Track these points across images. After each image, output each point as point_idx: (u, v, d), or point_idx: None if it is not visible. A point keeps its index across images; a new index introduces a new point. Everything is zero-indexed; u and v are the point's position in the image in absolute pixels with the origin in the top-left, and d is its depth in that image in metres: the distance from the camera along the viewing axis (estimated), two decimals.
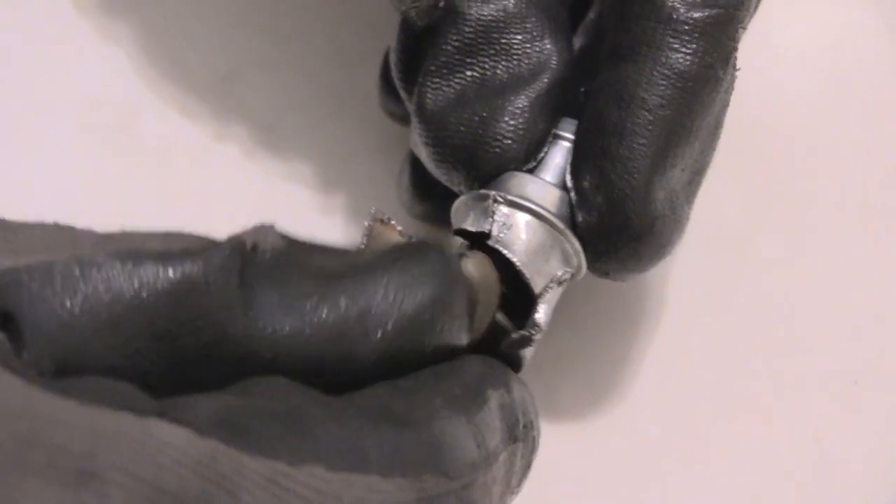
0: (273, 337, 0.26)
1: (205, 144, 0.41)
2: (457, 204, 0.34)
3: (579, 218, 0.33)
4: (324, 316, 0.27)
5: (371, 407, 0.26)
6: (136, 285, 0.25)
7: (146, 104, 0.42)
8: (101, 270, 0.25)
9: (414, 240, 0.32)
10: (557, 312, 0.33)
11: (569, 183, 0.33)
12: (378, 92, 0.39)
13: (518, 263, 0.32)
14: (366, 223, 0.32)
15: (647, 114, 0.32)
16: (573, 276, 0.33)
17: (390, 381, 0.27)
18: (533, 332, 0.31)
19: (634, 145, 0.32)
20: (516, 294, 0.32)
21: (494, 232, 0.33)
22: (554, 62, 0.34)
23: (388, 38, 0.39)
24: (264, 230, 0.27)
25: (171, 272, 0.25)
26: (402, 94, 0.35)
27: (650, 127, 0.32)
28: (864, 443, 0.38)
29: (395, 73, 0.35)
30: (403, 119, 0.38)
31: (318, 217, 0.40)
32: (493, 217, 0.33)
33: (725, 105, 0.34)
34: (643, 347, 0.39)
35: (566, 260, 0.33)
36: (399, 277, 0.28)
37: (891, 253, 0.40)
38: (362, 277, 0.27)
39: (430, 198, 0.37)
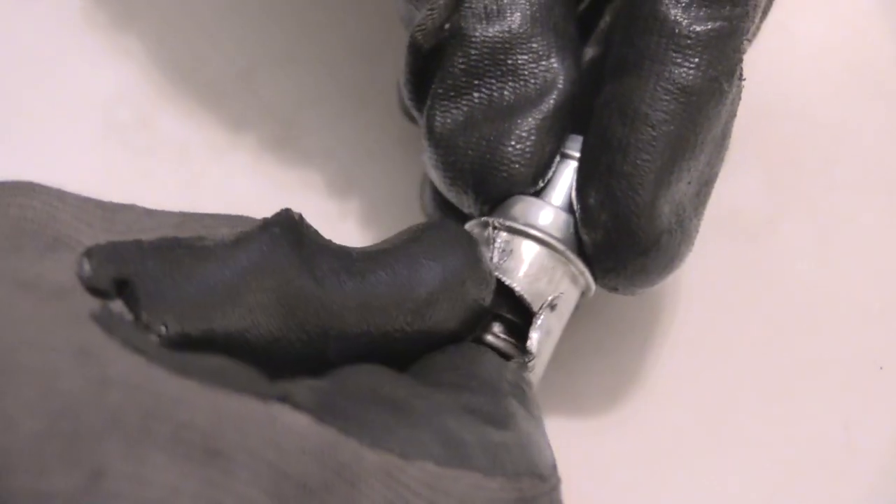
0: (341, 294, 0.28)
1: (224, 141, 0.41)
2: (466, 227, 0.34)
3: (585, 236, 0.33)
4: (382, 278, 0.28)
5: (460, 401, 0.28)
6: (242, 261, 0.27)
7: (165, 102, 0.42)
8: (211, 251, 0.27)
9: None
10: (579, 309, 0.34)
11: (574, 201, 0.33)
12: (397, 93, 0.39)
13: (518, 289, 0.32)
14: None
15: (650, 129, 0.32)
16: (583, 294, 0.34)
17: (453, 363, 0.29)
18: (527, 358, 0.32)
19: (638, 161, 0.32)
20: (523, 319, 0.33)
21: (495, 259, 0.33)
22: (561, 82, 0.34)
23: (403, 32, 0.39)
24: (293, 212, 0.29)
25: (263, 247, 0.27)
26: (415, 114, 0.36)
27: (654, 143, 0.32)
28: (892, 428, 0.38)
29: (405, 95, 0.35)
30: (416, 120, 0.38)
31: (337, 213, 0.41)
32: (493, 244, 0.33)
33: (733, 115, 0.34)
34: (663, 338, 0.39)
35: (574, 281, 0.33)
36: (432, 247, 0.30)
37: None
38: (402, 248, 0.29)
39: (451, 212, 0.37)
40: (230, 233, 0.27)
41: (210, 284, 0.26)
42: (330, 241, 0.29)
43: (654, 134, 0.32)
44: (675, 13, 0.32)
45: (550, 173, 0.34)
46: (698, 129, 0.32)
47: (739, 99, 0.33)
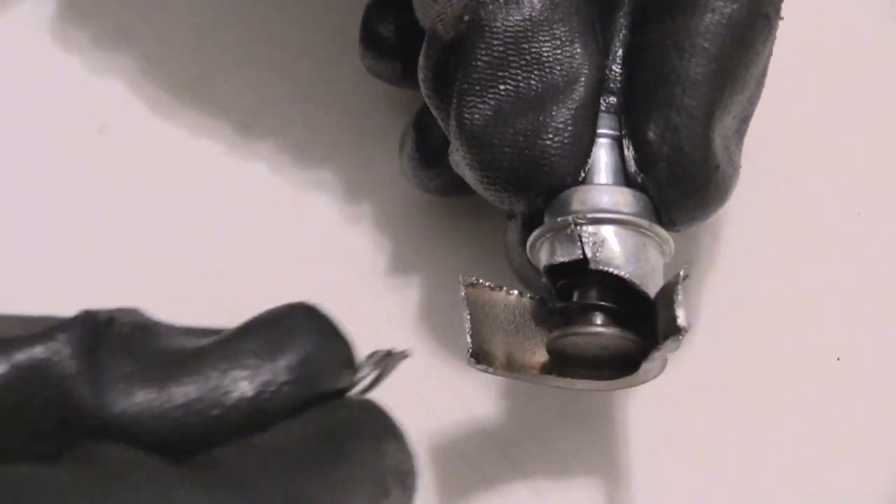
0: (124, 412, 0.25)
1: (182, 145, 0.41)
2: (531, 241, 0.34)
3: (644, 174, 0.33)
4: (178, 392, 0.26)
5: (210, 475, 0.25)
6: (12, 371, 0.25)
7: (122, 107, 0.42)
8: None
9: (506, 290, 0.33)
10: None
11: (627, 142, 0.33)
12: (360, 50, 0.39)
13: (628, 276, 0.32)
14: (461, 294, 0.33)
15: (709, 63, 0.33)
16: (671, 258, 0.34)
17: (247, 439, 0.26)
18: (680, 336, 0.31)
19: (698, 93, 0.33)
20: (628, 305, 0.32)
21: (590, 255, 0.32)
22: (587, 67, 0.33)
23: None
24: (128, 310, 0.27)
25: (15, 356, 0.25)
26: (435, 112, 0.35)
27: (711, 76, 0.33)
28: (850, 418, 0.38)
29: (424, 91, 0.35)
30: (387, 76, 0.38)
31: (296, 212, 0.40)
32: (580, 241, 0.32)
33: (770, 54, 0.35)
34: None
35: (660, 251, 0.33)
36: (257, 350, 0.26)
37: (870, 229, 0.41)
38: (222, 350, 0.27)
39: (436, 166, 0.37)
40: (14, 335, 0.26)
41: None
42: (155, 334, 0.27)
43: (713, 67, 0.33)
44: None
45: (591, 160, 0.34)
46: (749, 64, 0.33)
47: (775, 38, 0.34)
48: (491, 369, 0.33)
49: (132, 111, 0.42)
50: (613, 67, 0.34)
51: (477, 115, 0.33)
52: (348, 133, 0.41)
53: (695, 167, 0.33)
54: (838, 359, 0.39)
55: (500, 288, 0.34)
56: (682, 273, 0.32)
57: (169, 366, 0.26)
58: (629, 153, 0.33)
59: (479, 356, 0.33)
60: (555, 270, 0.33)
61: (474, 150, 0.33)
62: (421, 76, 0.34)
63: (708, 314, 0.39)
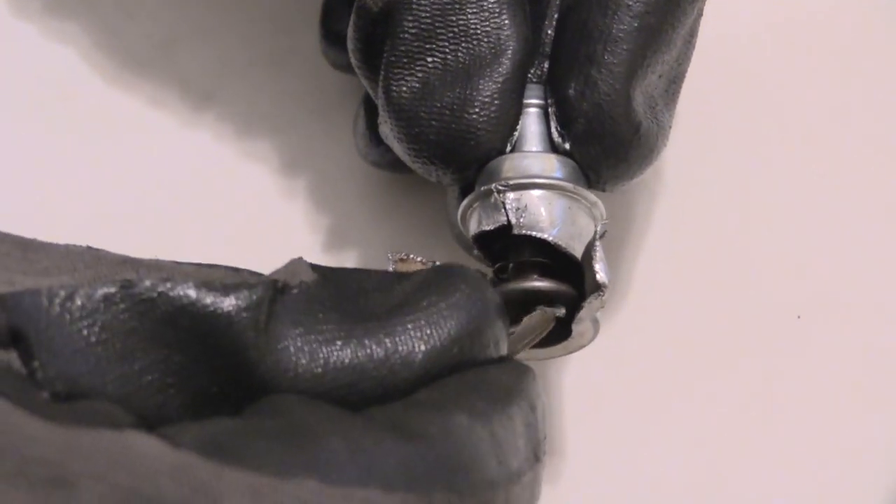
0: (294, 379, 0.27)
1: (143, 114, 0.41)
2: (461, 211, 0.34)
3: (563, 130, 0.33)
4: (346, 359, 0.27)
5: (384, 421, 0.26)
6: (159, 317, 0.26)
7: (83, 76, 0.42)
8: (123, 300, 0.26)
9: (443, 266, 0.32)
10: None
11: (548, 99, 0.33)
12: (322, 47, 0.39)
13: (552, 239, 0.32)
14: (390, 269, 0.33)
15: (632, 20, 0.33)
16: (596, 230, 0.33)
17: (412, 396, 0.27)
18: (601, 293, 0.31)
19: (618, 50, 0.33)
20: (557, 267, 0.33)
21: (514, 220, 0.33)
22: (513, 41, 0.33)
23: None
24: (295, 266, 0.28)
25: (199, 306, 0.26)
26: (364, 81, 0.35)
27: (634, 33, 0.33)
28: (810, 377, 0.38)
29: (354, 61, 0.35)
30: (351, 69, 0.38)
31: (257, 184, 0.41)
32: (504, 207, 0.33)
33: (700, 14, 0.35)
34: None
35: (591, 215, 0.33)
36: (426, 315, 0.28)
37: (831, 187, 0.41)
38: (389, 318, 0.28)
39: (383, 145, 0.37)
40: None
41: (114, 346, 0.26)
42: (324, 295, 0.28)
43: (636, 24, 0.33)
44: None
45: (517, 131, 0.34)
46: (675, 23, 0.34)
47: None
48: None
49: (93, 80, 0.42)
50: (549, 32, 0.35)
51: (404, 88, 0.33)
52: (310, 100, 0.41)
53: (613, 123, 0.33)
54: (799, 317, 0.39)
55: (433, 263, 0.34)
56: (597, 229, 0.32)
57: (338, 332, 0.27)
58: (552, 115, 0.34)
59: None
60: (485, 240, 0.34)
61: (402, 122, 0.33)
62: (350, 47, 0.35)
63: (666, 277, 0.39)
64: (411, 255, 0.34)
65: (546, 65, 0.34)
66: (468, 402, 0.27)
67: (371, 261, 0.39)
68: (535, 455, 0.29)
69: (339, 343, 0.27)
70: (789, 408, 0.38)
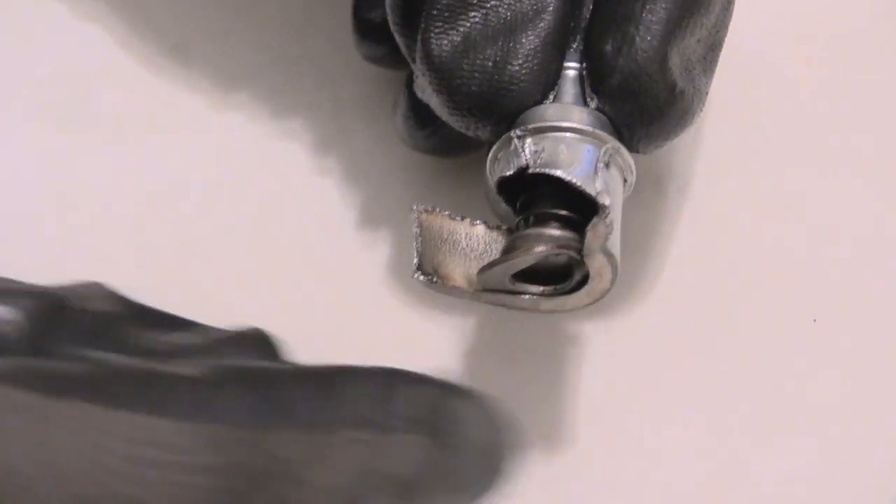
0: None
1: (158, 115, 0.41)
2: (488, 166, 0.34)
3: (600, 85, 0.33)
4: None
5: None
6: None
7: (99, 79, 0.42)
8: None
9: (470, 220, 0.33)
10: None
11: (586, 56, 0.34)
12: (355, 40, 0.39)
13: (567, 177, 0.32)
14: (413, 221, 0.33)
15: None
16: (625, 181, 0.34)
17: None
18: (603, 213, 0.31)
19: (657, 8, 0.33)
20: (585, 216, 0.32)
21: (531, 162, 0.33)
22: None
23: (338, 2, 0.40)
24: (95, 287, 0.27)
25: None
26: (400, 39, 0.35)
27: None
28: (826, 380, 0.38)
29: (391, 17, 0.35)
30: (384, 61, 0.38)
31: (273, 184, 0.41)
32: (523, 152, 0.33)
33: None
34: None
35: (616, 164, 0.33)
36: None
37: (848, 190, 0.41)
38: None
39: (430, 124, 0.37)
40: None
41: None
42: (119, 322, 0.27)
43: None
44: None
45: (556, 88, 0.34)
46: None
47: None
48: (438, 282, 0.33)
49: (110, 81, 0.42)
50: (584, 12, 0.35)
51: (445, 42, 0.34)
52: (324, 104, 0.42)
53: (650, 80, 0.33)
54: (815, 320, 0.39)
55: (463, 218, 0.34)
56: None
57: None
58: (586, 77, 0.34)
59: (426, 273, 0.33)
60: (509, 189, 0.34)
61: (443, 75, 0.34)
62: (389, 3, 0.35)
63: (684, 276, 0.39)
64: (437, 209, 0.34)
65: (582, 37, 0.35)
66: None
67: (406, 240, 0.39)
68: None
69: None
70: (805, 411, 0.38)
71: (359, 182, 0.40)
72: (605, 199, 0.32)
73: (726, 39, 0.36)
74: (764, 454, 0.37)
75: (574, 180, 0.32)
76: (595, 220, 0.32)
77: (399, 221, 0.39)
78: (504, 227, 0.35)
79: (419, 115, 0.37)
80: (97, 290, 0.28)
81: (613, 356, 0.38)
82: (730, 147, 0.41)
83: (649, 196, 0.40)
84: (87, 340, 0.26)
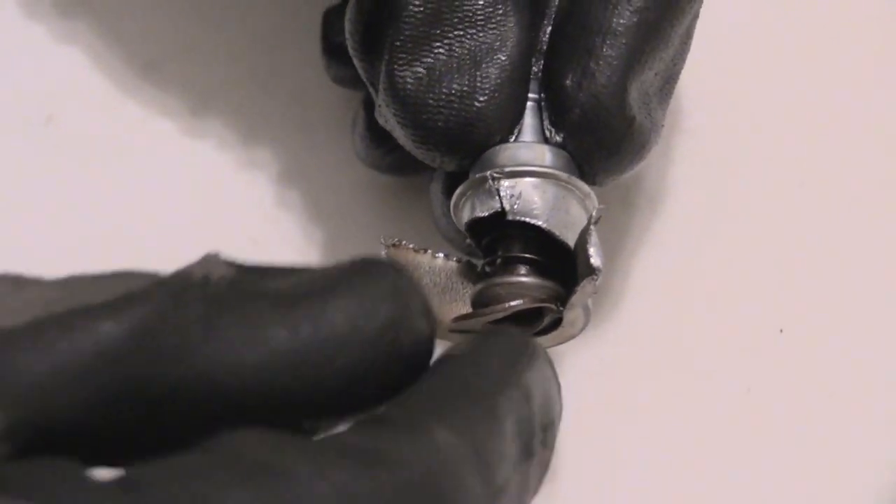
0: (237, 367, 0.25)
1: (130, 133, 0.42)
2: (454, 200, 0.34)
3: (558, 119, 0.33)
4: (285, 342, 0.25)
5: (354, 446, 0.24)
6: (94, 339, 0.24)
7: (69, 96, 0.42)
8: (56, 331, 0.24)
9: (431, 253, 0.33)
10: None
11: (543, 90, 0.34)
12: (322, 60, 0.39)
13: (545, 226, 0.33)
14: (382, 254, 0.33)
15: (632, 15, 0.34)
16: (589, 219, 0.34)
17: (385, 406, 0.25)
18: (595, 277, 0.32)
19: (618, 44, 0.33)
20: (552, 258, 0.33)
21: (507, 207, 0.33)
22: (518, 29, 0.34)
23: (308, 19, 0.40)
24: (210, 260, 0.26)
25: (124, 319, 0.24)
26: (359, 64, 0.35)
27: (634, 28, 0.34)
28: (792, 390, 0.39)
29: (350, 43, 0.35)
30: (352, 83, 0.38)
31: (245, 200, 0.41)
32: (498, 194, 0.33)
33: (696, 16, 0.35)
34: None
35: (583, 206, 0.34)
36: (357, 300, 0.26)
37: (814, 201, 0.41)
38: (319, 302, 0.26)
39: (387, 143, 0.37)
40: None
41: (63, 372, 0.24)
42: (247, 283, 0.26)
43: (635, 20, 0.34)
44: None
45: (522, 121, 0.34)
46: (674, 20, 0.34)
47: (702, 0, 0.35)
48: None
49: (80, 100, 0.42)
50: (548, 31, 0.35)
51: (409, 75, 0.34)
52: (294, 119, 0.42)
53: (609, 115, 0.33)
54: (781, 330, 0.39)
55: (425, 251, 0.34)
56: (593, 215, 0.33)
57: (271, 317, 0.25)
58: (544, 108, 0.34)
59: None
60: (478, 228, 0.34)
61: (408, 108, 0.34)
62: (349, 28, 0.35)
63: (652, 286, 0.40)
64: (403, 242, 0.34)
65: (542, 63, 0.35)
66: (445, 416, 0.25)
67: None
68: (528, 451, 0.26)
69: (275, 328, 0.25)
70: (770, 420, 0.38)
71: (328, 200, 0.41)
72: (598, 263, 0.32)
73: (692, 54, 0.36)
74: (734, 463, 0.38)
75: (556, 233, 0.33)
76: (586, 282, 0.32)
77: (366, 239, 0.39)
78: (464, 259, 0.35)
79: (376, 134, 0.37)
80: (214, 260, 0.27)
81: (579, 368, 0.38)
82: (699, 160, 0.41)
83: (618, 210, 0.40)
84: (231, 304, 0.25)
